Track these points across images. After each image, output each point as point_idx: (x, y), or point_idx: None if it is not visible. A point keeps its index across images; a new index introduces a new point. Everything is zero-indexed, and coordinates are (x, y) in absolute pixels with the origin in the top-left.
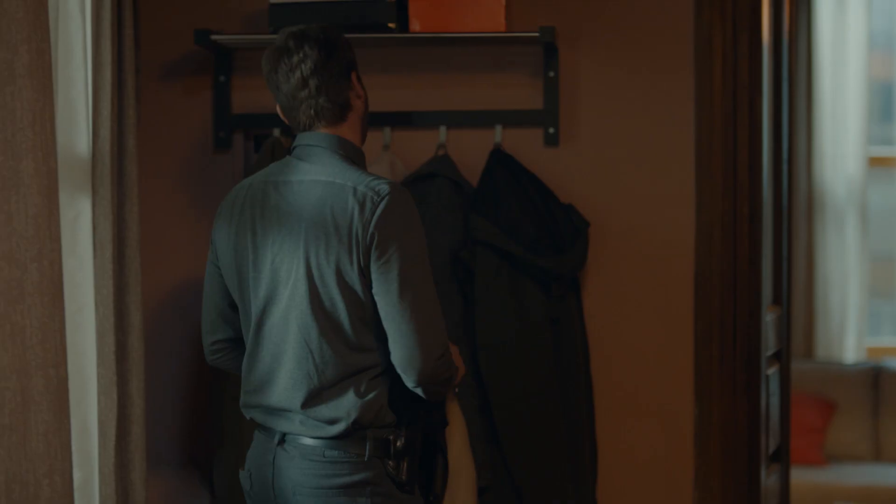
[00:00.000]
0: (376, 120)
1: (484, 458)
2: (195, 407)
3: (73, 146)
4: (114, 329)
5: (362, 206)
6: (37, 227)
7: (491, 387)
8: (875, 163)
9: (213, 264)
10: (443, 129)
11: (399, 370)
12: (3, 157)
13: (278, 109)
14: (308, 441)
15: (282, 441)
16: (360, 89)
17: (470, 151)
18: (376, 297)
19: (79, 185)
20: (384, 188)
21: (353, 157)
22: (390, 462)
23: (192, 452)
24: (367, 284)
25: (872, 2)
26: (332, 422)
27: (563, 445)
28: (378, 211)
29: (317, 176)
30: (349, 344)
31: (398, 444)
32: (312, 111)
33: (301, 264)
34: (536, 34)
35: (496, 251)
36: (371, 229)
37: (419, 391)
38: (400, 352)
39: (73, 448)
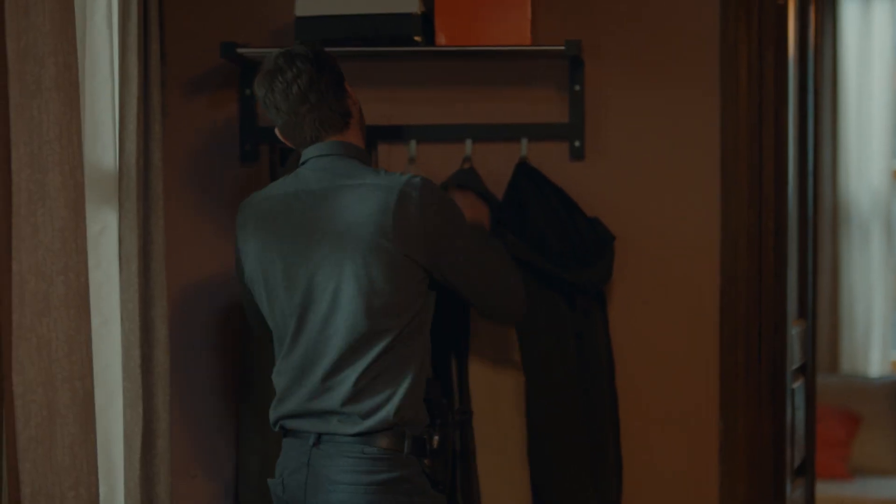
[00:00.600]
0: (402, 133)
1: None
2: (220, 418)
3: (99, 160)
4: (139, 342)
5: (405, 202)
6: (63, 240)
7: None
8: None
9: (245, 287)
10: (468, 142)
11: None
12: (29, 170)
13: (278, 132)
14: (346, 438)
15: (317, 442)
16: (354, 96)
17: (495, 165)
18: (452, 279)
19: (105, 199)
20: (416, 181)
21: (365, 160)
22: (426, 460)
23: (217, 464)
24: (422, 279)
25: None
26: (370, 418)
27: (588, 458)
28: (422, 202)
29: (344, 181)
30: (391, 344)
31: (434, 442)
32: (318, 123)
33: (345, 268)
34: (562, 48)
35: (522, 264)
36: (422, 220)
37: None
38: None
39: (99, 460)
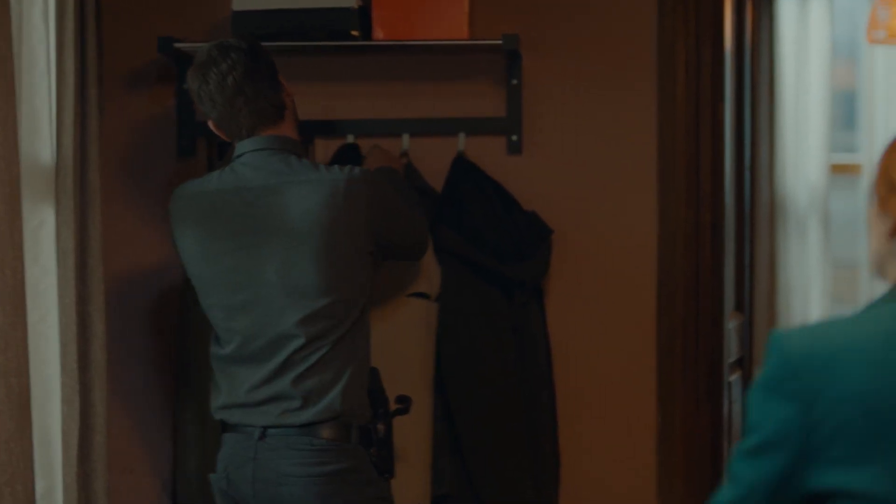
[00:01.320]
0: (339, 128)
1: (445, 465)
2: (158, 413)
3: (36, 155)
4: (76, 338)
5: (351, 196)
6: None
7: (453, 394)
8: (837, 170)
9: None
10: (406, 136)
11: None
12: None
13: (212, 125)
14: (293, 430)
15: (262, 436)
16: (288, 88)
17: (433, 159)
18: (386, 242)
19: (42, 194)
20: (357, 173)
21: (301, 154)
22: (373, 450)
23: (155, 459)
24: (369, 267)
25: (835, 10)
26: (316, 410)
27: (526, 452)
28: (368, 194)
29: (286, 177)
30: (336, 337)
31: (380, 431)
32: (254, 115)
33: (293, 264)
34: (499, 42)
35: (460, 259)
36: (369, 212)
37: None
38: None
39: (36, 457)
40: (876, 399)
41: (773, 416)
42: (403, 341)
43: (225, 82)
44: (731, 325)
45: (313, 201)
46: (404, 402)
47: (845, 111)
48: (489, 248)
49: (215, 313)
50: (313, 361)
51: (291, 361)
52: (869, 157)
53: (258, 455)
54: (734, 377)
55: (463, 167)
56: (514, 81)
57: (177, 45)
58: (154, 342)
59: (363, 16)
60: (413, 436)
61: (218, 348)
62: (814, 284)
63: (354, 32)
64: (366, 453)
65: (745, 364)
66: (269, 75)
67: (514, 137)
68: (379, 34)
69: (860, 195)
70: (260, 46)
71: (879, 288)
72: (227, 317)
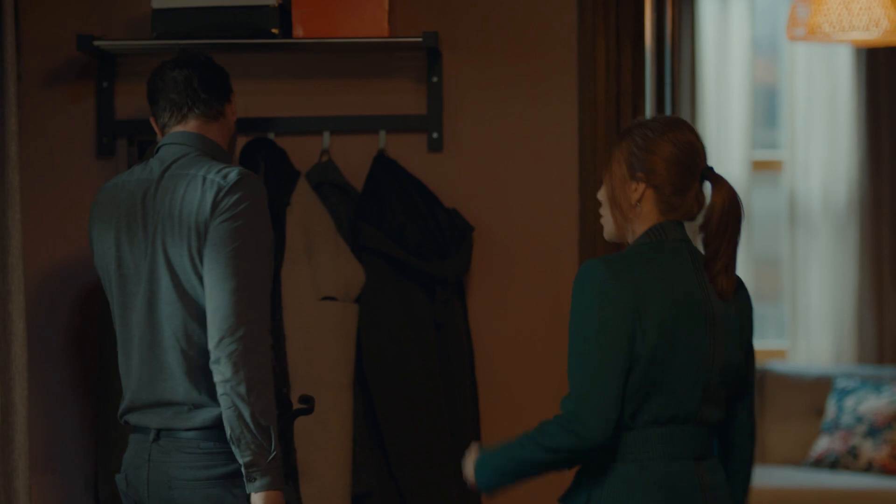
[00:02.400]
0: (259, 125)
1: (367, 462)
2: (80, 412)
3: None
4: None
5: (212, 192)
6: None
7: (375, 391)
8: (759, 167)
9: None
10: (326, 134)
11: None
12: None
13: (153, 121)
14: (183, 434)
15: (157, 438)
16: (234, 112)
17: (354, 157)
18: (205, 271)
19: None
20: (233, 175)
21: (217, 155)
22: None
23: (76, 458)
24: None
25: (756, 7)
26: (204, 412)
27: (448, 449)
28: (224, 195)
29: (180, 170)
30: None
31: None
32: (189, 100)
33: (160, 257)
34: (419, 39)
35: (381, 256)
36: (217, 214)
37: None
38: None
39: None
40: None
41: None
42: (320, 344)
43: (179, 74)
44: None
45: (192, 196)
46: (308, 403)
47: (767, 108)
48: (411, 246)
49: (112, 307)
50: (203, 361)
51: (180, 359)
52: (790, 153)
53: (152, 457)
54: None
55: (384, 165)
56: (435, 79)
57: (96, 42)
58: (76, 340)
59: (283, 13)
60: (334, 437)
61: (118, 345)
62: None
63: (274, 30)
64: None
65: None
66: (221, 85)
67: (435, 135)
68: (299, 31)
69: (782, 191)
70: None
71: (801, 281)
72: (120, 312)
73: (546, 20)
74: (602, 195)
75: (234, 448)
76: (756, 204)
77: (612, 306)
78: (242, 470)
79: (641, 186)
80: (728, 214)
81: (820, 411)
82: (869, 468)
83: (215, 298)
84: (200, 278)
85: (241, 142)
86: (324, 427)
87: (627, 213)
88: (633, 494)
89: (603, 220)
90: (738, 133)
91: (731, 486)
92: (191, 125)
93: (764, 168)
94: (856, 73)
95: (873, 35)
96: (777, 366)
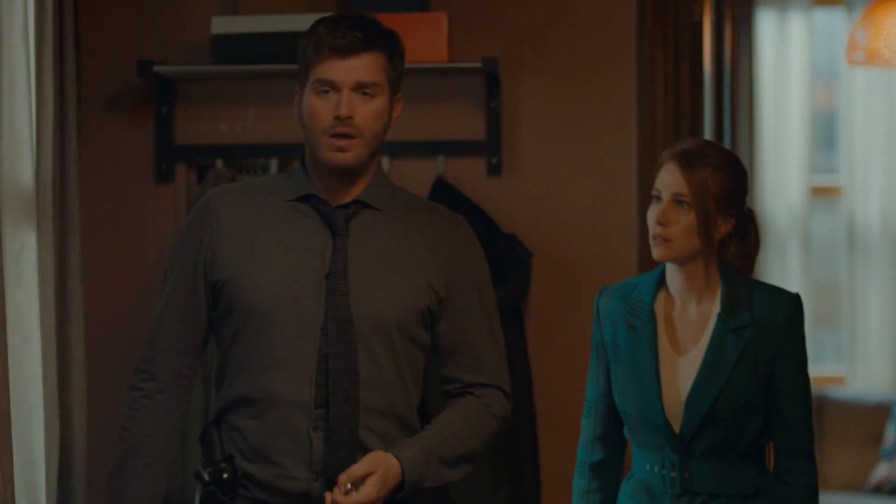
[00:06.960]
0: None
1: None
2: None
3: (17, 179)
4: (56, 361)
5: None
6: None
7: (431, 415)
8: (817, 192)
9: None
10: (385, 159)
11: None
12: None
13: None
14: None
15: None
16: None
17: (413, 182)
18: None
19: (24, 218)
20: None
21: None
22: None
23: None
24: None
25: (814, 31)
26: None
27: (507, 476)
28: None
29: None
30: None
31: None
32: None
33: None
34: (478, 65)
35: None
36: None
37: None
38: None
39: (19, 481)
40: None
41: None
42: None
43: None
44: None
45: None
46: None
47: (825, 133)
48: None
49: None
50: None
51: None
52: (849, 178)
53: None
54: None
55: (442, 190)
56: (494, 104)
57: (156, 68)
58: (133, 365)
59: None
60: None
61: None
62: None
63: None
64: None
65: None
66: None
67: (494, 160)
68: None
69: (840, 216)
70: None
71: (860, 307)
72: None
73: (604, 43)
74: (682, 217)
75: None
76: (815, 229)
77: None
78: None
79: (731, 223)
80: None
81: (879, 438)
82: None
83: None
84: None
85: None
86: None
87: (714, 243)
88: None
89: (672, 241)
90: (796, 158)
91: None
92: None
93: (823, 194)
94: None
95: None
96: (836, 392)
